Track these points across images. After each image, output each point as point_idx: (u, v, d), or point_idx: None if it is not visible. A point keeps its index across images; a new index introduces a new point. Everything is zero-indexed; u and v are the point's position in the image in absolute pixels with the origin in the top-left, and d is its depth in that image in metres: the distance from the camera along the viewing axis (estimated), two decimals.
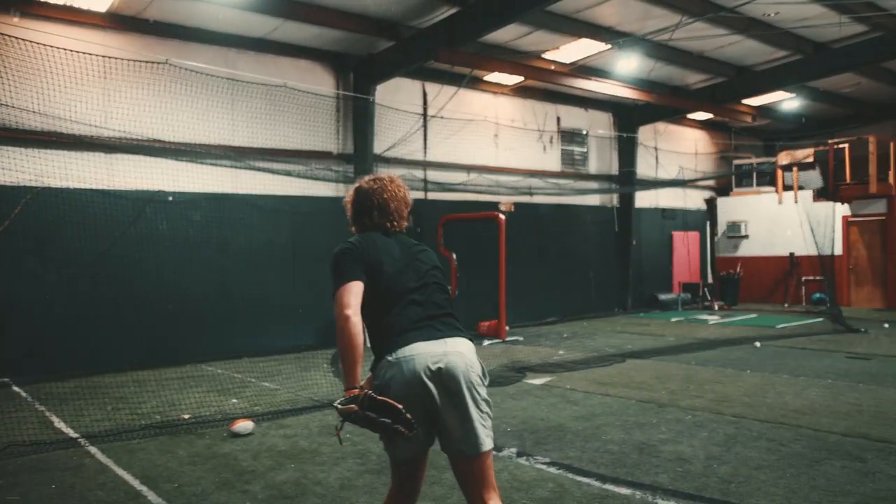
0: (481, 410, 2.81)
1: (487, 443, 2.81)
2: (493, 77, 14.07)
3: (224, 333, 10.86)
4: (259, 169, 10.67)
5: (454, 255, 12.27)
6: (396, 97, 12.96)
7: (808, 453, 5.30)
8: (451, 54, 11.22)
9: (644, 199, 18.11)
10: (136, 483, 4.90)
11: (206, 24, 10.74)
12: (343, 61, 12.45)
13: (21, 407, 7.39)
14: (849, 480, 4.66)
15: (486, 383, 2.89)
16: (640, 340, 12.09)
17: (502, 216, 12.02)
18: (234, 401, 7.60)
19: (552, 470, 5.02)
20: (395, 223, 3.19)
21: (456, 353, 2.80)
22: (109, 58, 9.60)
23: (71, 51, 9.20)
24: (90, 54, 9.40)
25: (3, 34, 8.77)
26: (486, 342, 11.79)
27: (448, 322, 2.94)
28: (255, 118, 11.28)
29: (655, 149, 18.16)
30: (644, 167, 17.66)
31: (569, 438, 5.86)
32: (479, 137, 14.33)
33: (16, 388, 8.50)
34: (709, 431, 6.00)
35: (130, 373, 9.40)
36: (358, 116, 12.34)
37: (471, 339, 2.97)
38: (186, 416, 6.84)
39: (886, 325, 13.39)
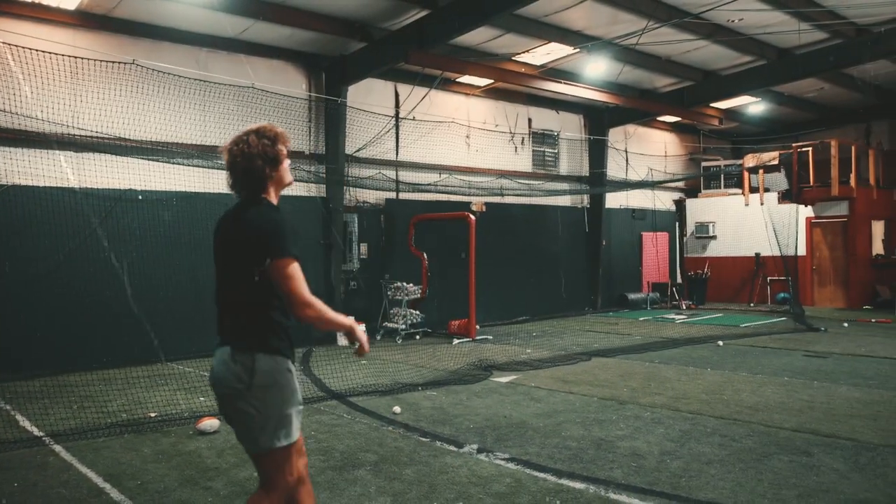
0: (240, 420, 2.86)
1: (257, 446, 2.85)
2: (465, 79, 14.20)
3: (194, 332, 10.83)
4: (224, 168, 10.65)
5: (425, 255, 12.40)
6: (368, 98, 13.04)
7: (758, 448, 5.49)
8: (422, 56, 11.33)
9: (614, 200, 18.38)
10: (99, 480, 4.95)
11: (177, 24, 10.74)
12: (315, 62, 12.51)
13: None
14: (794, 474, 4.85)
15: (246, 391, 2.79)
16: (608, 339, 12.30)
17: (473, 216, 12.17)
18: (202, 399, 7.64)
19: (511, 466, 5.15)
20: (245, 192, 2.95)
21: (213, 369, 2.95)
22: (76, 58, 9.56)
23: (39, 51, 9.18)
24: (58, 54, 9.37)
25: None
26: (455, 341, 11.93)
27: (226, 328, 2.94)
28: (227, 117, 11.28)
29: (625, 150, 18.43)
30: (614, 168, 17.91)
31: (529, 435, 6.00)
32: (450, 138, 14.46)
33: None
34: (665, 428, 6.17)
35: (98, 371, 9.40)
36: (330, 117, 12.41)
37: (237, 345, 2.84)
38: (153, 415, 6.89)
39: (846, 325, 13.74)
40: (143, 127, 10.44)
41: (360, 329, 3.02)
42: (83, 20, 10.12)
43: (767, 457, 5.26)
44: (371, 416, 6.80)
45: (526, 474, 4.95)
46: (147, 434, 6.22)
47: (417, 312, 12.31)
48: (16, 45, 9.04)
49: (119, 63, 10.05)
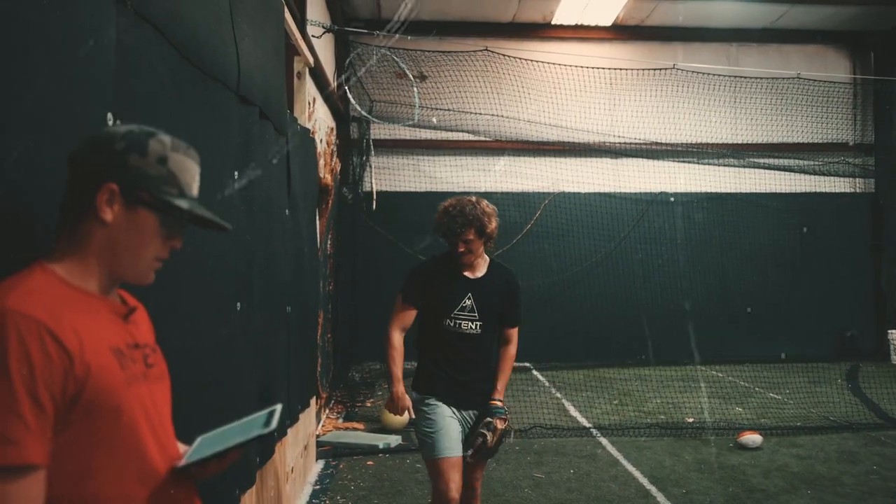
0: None
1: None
2: None
3: (724, 336, 10.60)
4: (761, 166, 10.12)
5: None
6: None
7: None
8: None
9: None
10: (644, 481, 5.03)
11: (707, 23, 10.58)
12: (860, 41, 11.01)
13: (541, 391, 8.28)
14: None
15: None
16: None
17: None
18: (738, 409, 7.31)
19: None
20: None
21: None
22: (618, 69, 10.08)
23: (581, 67, 10.02)
24: (598, 68, 10.08)
25: (521, 59, 9.87)
26: None
27: None
28: (758, 112, 10.73)
29: None
30: None
31: None
32: None
33: (535, 373, 9.62)
34: None
35: (634, 368, 9.82)
36: (880, 101, 10.77)
37: None
38: (690, 420, 6.82)
39: None
40: (674, 129, 10.54)
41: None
42: (618, 33, 10.73)
43: None
44: None
45: None
46: (686, 440, 6.15)
47: None
48: (562, 64, 9.97)
49: (654, 70, 10.32)
